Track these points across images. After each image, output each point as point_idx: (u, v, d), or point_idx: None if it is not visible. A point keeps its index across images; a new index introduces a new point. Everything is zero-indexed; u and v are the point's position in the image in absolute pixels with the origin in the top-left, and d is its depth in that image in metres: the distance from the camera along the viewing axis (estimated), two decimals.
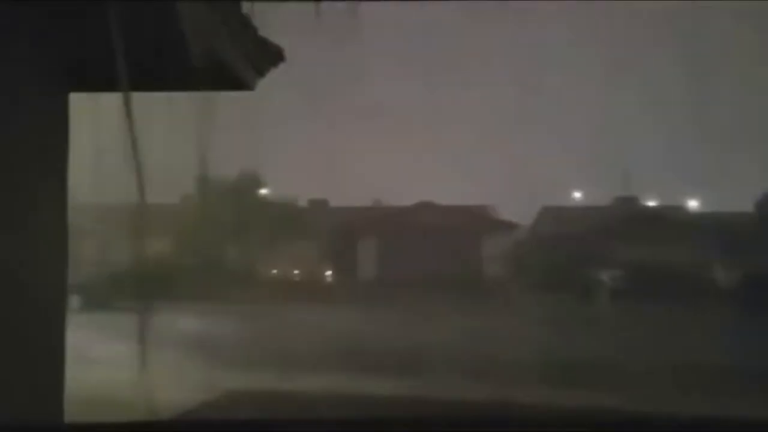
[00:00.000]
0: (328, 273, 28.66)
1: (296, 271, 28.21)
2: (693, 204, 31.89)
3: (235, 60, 3.41)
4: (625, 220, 28.95)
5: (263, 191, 27.95)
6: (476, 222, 29.25)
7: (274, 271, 27.44)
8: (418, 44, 28.35)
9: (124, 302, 17.87)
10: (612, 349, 11.71)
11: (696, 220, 29.94)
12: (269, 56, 3.64)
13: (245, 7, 3.28)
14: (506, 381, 8.34)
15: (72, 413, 2.78)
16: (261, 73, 3.72)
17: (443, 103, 29.93)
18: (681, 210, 31.83)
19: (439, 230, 27.99)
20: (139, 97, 2.77)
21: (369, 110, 26.13)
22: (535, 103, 30.08)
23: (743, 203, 26.74)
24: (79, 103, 3.13)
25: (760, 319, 16.31)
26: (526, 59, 28.92)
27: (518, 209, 29.11)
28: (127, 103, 2.37)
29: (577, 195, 32.08)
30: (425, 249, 27.65)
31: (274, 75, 4.10)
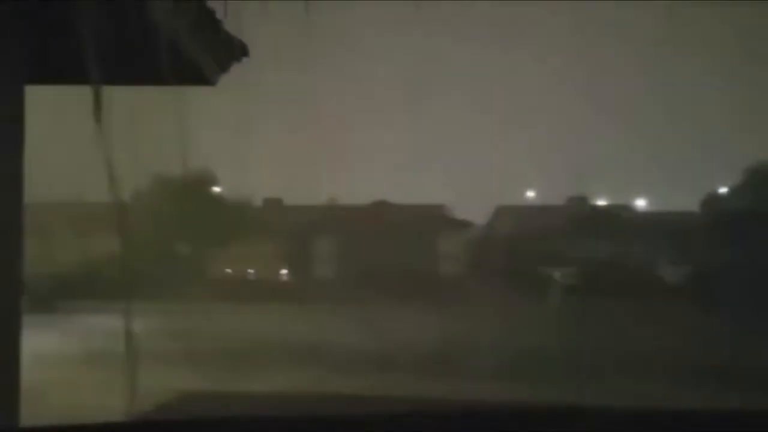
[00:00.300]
0: (283, 272, 28.48)
1: (250, 271, 27.92)
2: (642, 203, 32.85)
3: (198, 54, 3.34)
4: (578, 219, 29.64)
5: (216, 189, 27.54)
6: (432, 221, 29.48)
7: (228, 271, 27.09)
8: (371, 43, 28.36)
9: (67, 303, 17.35)
10: (565, 343, 11.98)
11: (645, 219, 30.88)
12: (233, 51, 3.57)
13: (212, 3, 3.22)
14: (463, 376, 8.44)
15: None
16: (224, 68, 3.65)
17: (399, 102, 30.07)
18: (630, 209, 32.74)
19: (394, 229, 28.10)
20: (79, 90, 2.68)
21: (324, 108, 26.03)
22: (489, 103, 30.52)
23: (690, 203, 27.73)
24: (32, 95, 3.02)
25: (705, 314, 16.97)
26: (481, 59, 29.29)
27: (473, 208, 29.47)
28: (97, 98, 2.29)
29: (531, 194, 32.68)
30: (381, 248, 27.73)
31: (235, 71, 4.05)
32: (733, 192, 25.42)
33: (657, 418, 1.57)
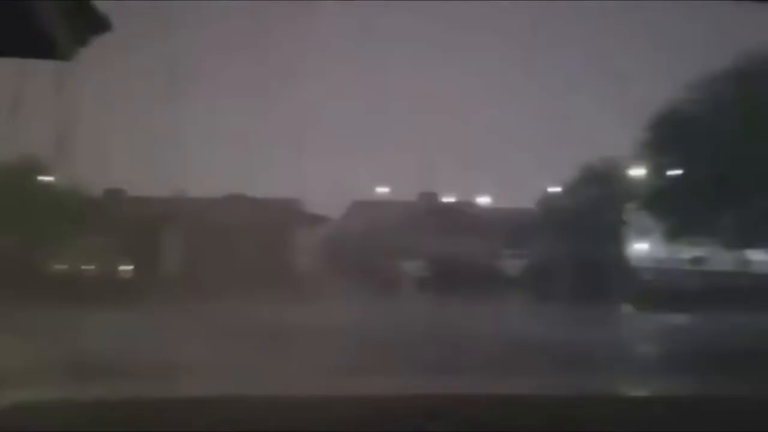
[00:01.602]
0: (126, 269, 26.68)
1: (88, 267, 25.87)
2: (484, 200, 34.80)
3: (53, 24, 2.91)
4: (427, 214, 30.75)
5: (47, 178, 25.14)
6: (286, 215, 29.14)
7: (60, 267, 24.91)
8: (239, 34, 27.43)
9: None
10: (413, 333, 12.31)
11: (487, 215, 32.76)
12: (94, 24, 3.15)
13: None
14: (310, 373, 8.38)
15: None
16: (82, 42, 3.21)
17: (256, 94, 29.36)
18: (474, 205, 34.57)
19: (248, 223, 27.41)
20: None
21: (174, 93, 24.64)
22: (345, 97, 30.72)
23: (526, 200, 29.82)
24: None
25: (539, 303, 18.39)
26: (338, 51, 29.38)
27: (328, 203, 29.54)
28: None
29: (385, 190, 33.41)
30: (233, 242, 26.92)
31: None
32: (564, 190, 27.75)
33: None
